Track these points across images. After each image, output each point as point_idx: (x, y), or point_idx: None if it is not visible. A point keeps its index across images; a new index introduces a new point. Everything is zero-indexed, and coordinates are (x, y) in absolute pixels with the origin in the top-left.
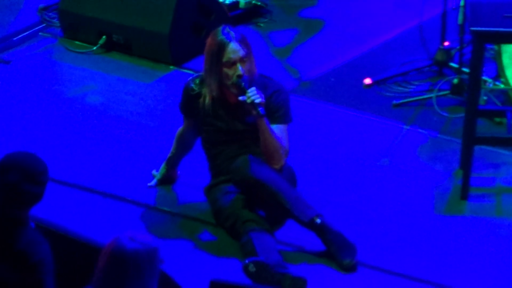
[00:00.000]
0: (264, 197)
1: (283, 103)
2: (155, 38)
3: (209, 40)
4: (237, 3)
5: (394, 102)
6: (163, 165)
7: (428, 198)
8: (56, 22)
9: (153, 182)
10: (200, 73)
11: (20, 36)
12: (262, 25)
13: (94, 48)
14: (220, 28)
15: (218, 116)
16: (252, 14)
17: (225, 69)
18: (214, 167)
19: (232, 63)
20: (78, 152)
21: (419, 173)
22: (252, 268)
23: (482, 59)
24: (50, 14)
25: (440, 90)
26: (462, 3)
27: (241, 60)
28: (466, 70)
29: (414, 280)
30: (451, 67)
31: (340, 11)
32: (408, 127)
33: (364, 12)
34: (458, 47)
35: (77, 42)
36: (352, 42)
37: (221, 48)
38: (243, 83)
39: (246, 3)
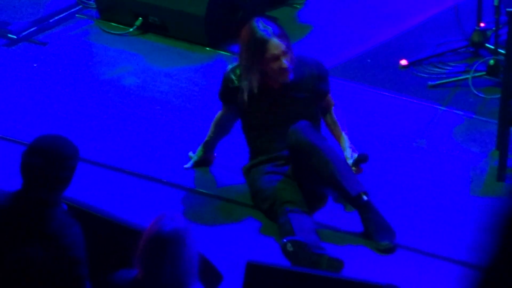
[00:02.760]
0: (314, 164)
1: (326, 74)
2: (191, 19)
3: (245, 37)
4: None
5: (430, 83)
6: (200, 148)
7: (464, 180)
8: (92, 4)
9: (189, 164)
10: (238, 65)
11: (56, 18)
12: (298, 6)
13: (130, 29)
14: (255, 24)
15: (260, 105)
16: None
17: (270, 64)
18: (254, 148)
19: (276, 58)
20: (114, 134)
21: (455, 154)
22: (290, 247)
23: None
24: None
25: (476, 71)
26: None
27: (283, 53)
28: (502, 51)
29: (450, 261)
30: (487, 48)
31: None
32: (444, 108)
33: None
34: (494, 28)
35: (113, 24)
36: (388, 23)
37: (262, 45)
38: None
39: None
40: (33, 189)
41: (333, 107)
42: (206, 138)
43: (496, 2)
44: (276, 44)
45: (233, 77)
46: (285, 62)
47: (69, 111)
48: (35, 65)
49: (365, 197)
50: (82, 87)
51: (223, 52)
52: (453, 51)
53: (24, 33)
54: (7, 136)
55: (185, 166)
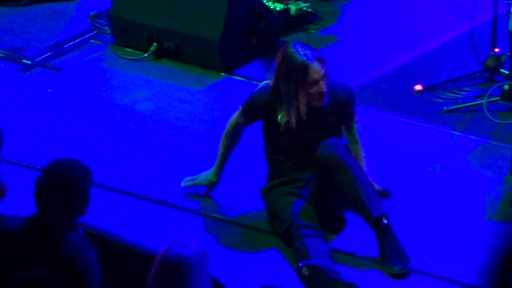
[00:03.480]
0: (340, 180)
1: (354, 98)
2: (206, 44)
3: (284, 62)
4: (288, 9)
5: (445, 108)
6: (212, 172)
7: (478, 204)
8: (107, 29)
9: (206, 196)
10: (268, 83)
11: (71, 43)
12: (313, 31)
13: (145, 55)
14: (294, 49)
15: (290, 129)
16: (303, 20)
17: (307, 88)
18: (276, 170)
19: (316, 83)
20: (128, 159)
21: (470, 179)
22: (305, 271)
23: None
24: (101, 21)
25: (490, 96)
26: None
27: (322, 78)
28: None
29: (463, 286)
30: (502, 73)
31: (390, 16)
32: (458, 133)
33: (415, 18)
34: (508, 53)
35: (128, 49)
36: (403, 48)
37: (305, 70)
38: None
39: (297, 9)
40: (47, 213)
41: (356, 123)
42: (219, 159)
43: (510, 27)
44: (317, 69)
45: (265, 96)
46: (323, 86)
47: (83, 137)
48: (49, 90)
49: (385, 221)
50: (96, 112)
51: (238, 77)
52: (468, 76)
53: (38, 59)
54: (21, 161)
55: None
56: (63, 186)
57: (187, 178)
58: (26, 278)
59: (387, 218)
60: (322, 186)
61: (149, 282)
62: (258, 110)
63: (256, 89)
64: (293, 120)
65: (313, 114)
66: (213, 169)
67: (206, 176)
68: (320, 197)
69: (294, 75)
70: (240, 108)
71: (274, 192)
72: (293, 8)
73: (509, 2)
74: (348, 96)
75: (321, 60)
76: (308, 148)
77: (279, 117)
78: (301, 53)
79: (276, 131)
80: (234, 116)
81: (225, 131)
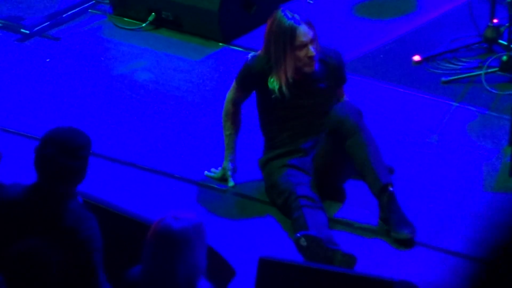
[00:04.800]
0: (352, 144)
1: (343, 62)
2: (205, 14)
3: (273, 27)
4: None
5: (443, 79)
6: (226, 159)
7: (477, 175)
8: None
9: (231, 183)
10: (259, 53)
11: (69, 13)
12: (311, 1)
13: (144, 25)
14: (282, 13)
15: (284, 98)
16: None
17: (297, 52)
18: (274, 141)
19: (304, 45)
20: (127, 129)
21: (468, 150)
22: (303, 241)
23: None
24: None
25: (489, 67)
26: None
27: (311, 41)
28: None
29: (462, 257)
30: (501, 44)
31: None
32: (457, 104)
33: None
34: (507, 24)
35: (126, 19)
36: (401, 19)
37: (292, 32)
38: None
39: None
40: (48, 181)
41: (343, 98)
42: (226, 142)
43: None
44: (305, 31)
45: (259, 64)
46: (312, 50)
47: (82, 106)
48: (48, 60)
49: (391, 188)
50: (95, 82)
51: (237, 47)
52: (467, 47)
53: (37, 28)
54: (20, 131)
55: (230, 184)
56: (65, 154)
57: (206, 173)
58: (26, 248)
59: (392, 186)
60: (330, 150)
61: (144, 252)
62: (254, 78)
63: (249, 58)
64: (284, 85)
65: (305, 81)
66: (225, 154)
67: (221, 167)
68: (325, 163)
69: (282, 38)
70: (234, 81)
71: (272, 163)
72: None
73: None
74: (338, 60)
75: (309, 23)
76: (304, 117)
77: (270, 81)
78: (289, 16)
79: (271, 99)
80: (230, 93)
81: (224, 112)
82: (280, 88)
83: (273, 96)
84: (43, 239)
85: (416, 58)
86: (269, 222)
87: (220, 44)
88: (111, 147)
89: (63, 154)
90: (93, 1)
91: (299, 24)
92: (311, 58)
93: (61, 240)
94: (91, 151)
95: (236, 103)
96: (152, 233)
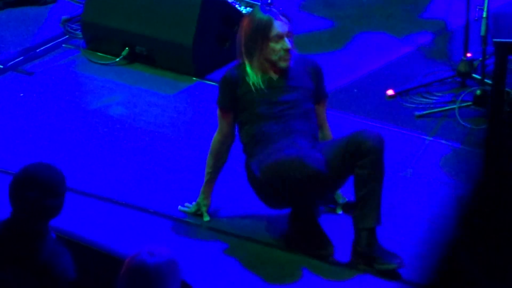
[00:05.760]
0: (363, 165)
1: (321, 71)
2: (178, 49)
3: (248, 20)
4: None
5: (417, 113)
6: (201, 193)
7: (451, 209)
8: (79, 34)
9: (206, 217)
10: (235, 64)
11: (43, 47)
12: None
13: (117, 59)
14: (259, 8)
15: (260, 96)
16: None
17: (272, 44)
18: (252, 145)
19: (279, 37)
20: (101, 163)
21: (442, 184)
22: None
23: (505, 70)
24: (73, 25)
25: (463, 101)
26: (484, 14)
27: (288, 34)
28: (489, 81)
29: None
30: (474, 78)
31: (363, 21)
32: (430, 138)
33: (386, 23)
34: (481, 59)
35: (100, 54)
36: (374, 52)
37: (268, 23)
38: None
39: None
40: (25, 219)
41: (325, 101)
42: (206, 178)
43: (483, 32)
44: (281, 23)
45: (235, 72)
46: (287, 42)
47: (55, 141)
48: (21, 94)
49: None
50: (69, 117)
51: (210, 82)
52: (440, 81)
53: (11, 63)
54: None
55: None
56: (47, 195)
57: (180, 208)
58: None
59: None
60: (339, 163)
61: (118, 287)
62: (233, 85)
63: (222, 76)
64: (259, 77)
65: (282, 76)
66: (201, 190)
67: (196, 202)
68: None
69: (260, 29)
70: (218, 109)
71: (276, 163)
72: None
73: (481, 7)
74: (316, 65)
75: (285, 16)
76: (287, 119)
77: (248, 75)
78: (266, 9)
79: (251, 97)
80: (218, 131)
81: (211, 151)
82: (256, 82)
83: (254, 91)
84: (17, 273)
85: (390, 92)
86: (244, 257)
87: (194, 78)
88: (85, 182)
89: (45, 195)
90: (67, 36)
91: (276, 16)
92: (286, 51)
93: (35, 275)
94: (66, 187)
95: (227, 136)
96: (126, 268)
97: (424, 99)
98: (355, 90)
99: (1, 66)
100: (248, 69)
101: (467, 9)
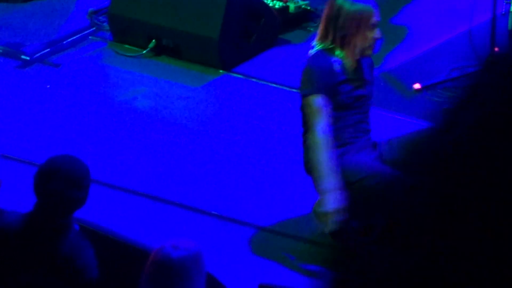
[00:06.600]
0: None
1: None
2: (205, 42)
3: (343, 8)
4: (286, 7)
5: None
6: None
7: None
8: (106, 26)
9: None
10: (316, 52)
11: (70, 39)
12: (312, 29)
13: (144, 52)
14: None
15: (352, 81)
16: (301, 18)
17: (367, 32)
18: (343, 136)
19: (374, 26)
20: (128, 156)
21: None
22: None
23: None
24: (100, 18)
25: None
26: (511, 8)
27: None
28: None
29: None
30: None
31: (389, 15)
32: None
33: (413, 18)
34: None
35: (126, 46)
36: (401, 47)
37: (369, 12)
38: None
39: (295, 7)
40: (50, 212)
41: None
42: (325, 171)
43: (510, 26)
44: (376, 11)
45: (327, 60)
46: (379, 32)
47: (82, 133)
48: (48, 86)
49: None
50: (95, 109)
51: (236, 75)
52: (467, 76)
53: (37, 55)
54: (20, 157)
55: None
56: (72, 187)
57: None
58: (31, 280)
59: None
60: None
61: (142, 280)
62: (332, 72)
63: (310, 63)
64: (351, 64)
65: (359, 67)
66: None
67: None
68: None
69: (358, 16)
70: (313, 96)
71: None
72: (292, 6)
73: (508, 1)
74: (372, 60)
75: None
76: (365, 113)
77: (343, 63)
78: None
79: (345, 85)
80: (316, 119)
81: (317, 146)
82: (350, 71)
83: (347, 80)
84: (40, 269)
85: (417, 86)
86: (268, 248)
87: (220, 71)
88: (112, 174)
89: (69, 187)
90: (94, 28)
91: (373, 5)
92: (376, 40)
93: (58, 269)
94: (91, 179)
95: (328, 122)
96: (151, 261)
97: (451, 94)
98: (382, 84)
99: (28, 58)
100: (342, 55)
101: (494, 3)
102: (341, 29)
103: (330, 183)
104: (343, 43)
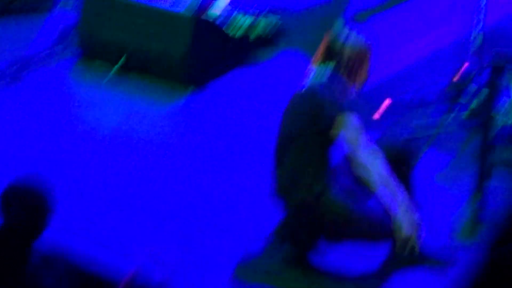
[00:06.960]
0: None
1: None
2: (174, 60)
3: (354, 45)
4: (257, 24)
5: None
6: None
7: (445, 222)
8: (75, 43)
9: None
10: (319, 82)
11: (38, 56)
12: (282, 45)
13: (113, 69)
14: (356, 33)
15: None
16: (272, 35)
17: (365, 70)
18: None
19: (368, 65)
20: (95, 175)
21: (438, 196)
22: None
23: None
24: (69, 34)
25: (458, 112)
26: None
27: None
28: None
29: None
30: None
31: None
32: (426, 149)
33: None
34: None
35: (96, 63)
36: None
37: (369, 51)
38: None
39: (265, 24)
40: (11, 236)
41: None
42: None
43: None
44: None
45: (329, 89)
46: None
47: (48, 151)
48: (15, 104)
49: None
50: (63, 126)
51: (206, 92)
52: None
53: (4, 71)
54: None
55: None
56: (25, 208)
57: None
58: None
59: None
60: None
61: None
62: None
63: (317, 91)
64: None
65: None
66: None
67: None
68: None
69: (368, 55)
70: (341, 115)
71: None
72: (262, 22)
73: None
74: None
75: None
76: None
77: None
78: (362, 37)
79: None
80: (347, 118)
81: (374, 161)
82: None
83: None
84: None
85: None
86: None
87: (190, 88)
88: (79, 195)
89: (27, 212)
90: (63, 45)
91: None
92: (366, 79)
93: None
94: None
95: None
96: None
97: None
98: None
99: None
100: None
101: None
102: (348, 68)
103: (403, 193)
104: (349, 80)
